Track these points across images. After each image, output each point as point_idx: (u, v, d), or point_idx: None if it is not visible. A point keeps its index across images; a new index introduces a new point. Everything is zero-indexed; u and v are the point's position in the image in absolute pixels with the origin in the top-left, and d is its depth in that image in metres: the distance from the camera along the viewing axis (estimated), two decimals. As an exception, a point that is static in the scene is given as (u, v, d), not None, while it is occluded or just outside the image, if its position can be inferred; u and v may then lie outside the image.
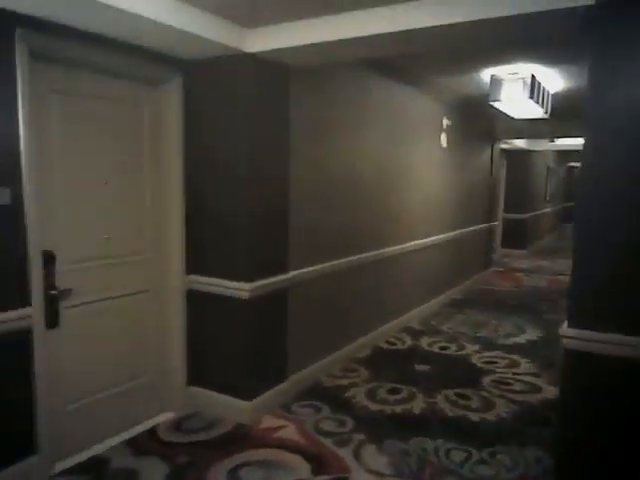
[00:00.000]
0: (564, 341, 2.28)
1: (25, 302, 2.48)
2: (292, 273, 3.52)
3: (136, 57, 2.87)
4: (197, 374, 3.42)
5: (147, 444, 2.99)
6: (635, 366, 2.14)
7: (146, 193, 3.14)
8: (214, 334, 3.33)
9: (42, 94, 2.54)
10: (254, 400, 3.28)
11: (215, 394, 3.35)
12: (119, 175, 2.96)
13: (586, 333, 2.21)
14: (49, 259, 2.64)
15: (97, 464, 2.78)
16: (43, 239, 2.57)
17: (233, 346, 3.27)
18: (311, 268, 3.75)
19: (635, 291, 2.14)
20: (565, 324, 2.29)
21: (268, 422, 3.25)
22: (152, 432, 3.13)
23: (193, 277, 3.32)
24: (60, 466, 2.73)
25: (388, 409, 3.45)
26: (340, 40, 2.70)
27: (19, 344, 2.48)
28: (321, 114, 3.75)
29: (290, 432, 3.14)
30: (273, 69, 3.14)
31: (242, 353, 3.25)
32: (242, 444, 3.00)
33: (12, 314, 2.42)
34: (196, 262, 3.31)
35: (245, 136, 3.04)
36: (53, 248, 2.64)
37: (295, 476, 2.69)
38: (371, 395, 3.66)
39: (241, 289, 3.14)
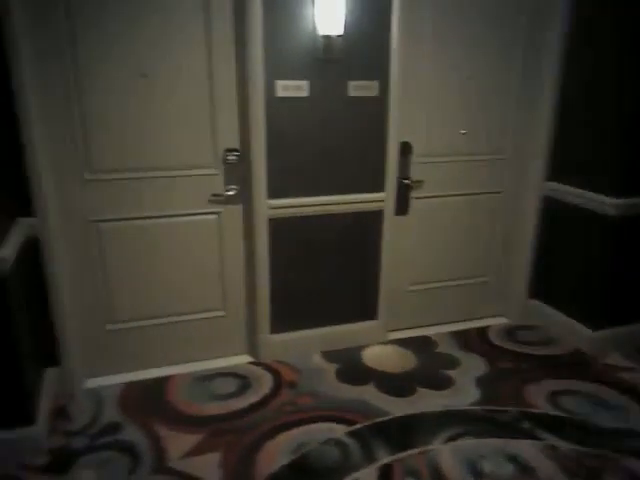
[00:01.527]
0: None
1: (380, 188, 2.77)
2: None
3: None
4: (540, 288, 3.19)
5: (473, 341, 3.04)
6: None
7: (512, 90, 2.91)
8: (567, 249, 2.99)
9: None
10: (600, 331, 2.86)
11: (556, 312, 3.08)
12: (485, 70, 2.83)
13: None
14: (406, 150, 2.82)
15: (425, 343, 3.02)
16: (401, 131, 2.74)
17: (589, 267, 2.87)
18: None
19: None
20: None
21: (615, 360, 2.80)
22: (481, 332, 3.15)
23: (551, 184, 3.01)
24: (393, 335, 3.08)
25: None
26: None
27: (374, 223, 2.82)
28: None
29: (638, 378, 2.62)
30: None
31: (598, 277, 2.82)
32: (574, 371, 2.71)
33: (368, 196, 2.75)
34: (555, 168, 2.98)
35: None
36: (409, 140, 2.80)
37: (624, 423, 2.26)
38: None
39: (606, 204, 2.68)
